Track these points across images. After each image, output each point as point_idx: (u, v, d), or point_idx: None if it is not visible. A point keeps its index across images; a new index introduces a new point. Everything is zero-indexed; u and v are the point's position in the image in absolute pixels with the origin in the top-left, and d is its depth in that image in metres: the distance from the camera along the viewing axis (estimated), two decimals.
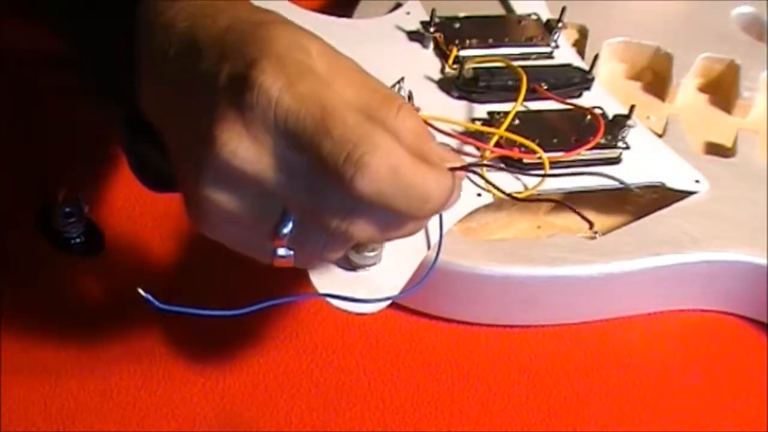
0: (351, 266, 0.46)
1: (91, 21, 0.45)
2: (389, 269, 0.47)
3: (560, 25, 0.64)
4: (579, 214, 0.49)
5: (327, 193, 0.38)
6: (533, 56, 0.63)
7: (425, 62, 0.61)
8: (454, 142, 0.54)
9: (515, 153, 0.54)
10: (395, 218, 0.40)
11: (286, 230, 0.40)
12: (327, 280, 0.46)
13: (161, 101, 0.41)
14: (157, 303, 0.40)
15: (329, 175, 0.37)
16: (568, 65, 0.62)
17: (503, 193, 0.50)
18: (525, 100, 0.57)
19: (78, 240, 0.57)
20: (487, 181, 0.50)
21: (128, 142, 0.46)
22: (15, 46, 0.66)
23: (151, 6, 0.41)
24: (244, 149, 0.37)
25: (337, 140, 0.37)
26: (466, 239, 0.54)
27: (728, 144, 0.63)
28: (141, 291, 0.40)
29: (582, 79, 0.61)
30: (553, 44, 0.63)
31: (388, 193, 0.37)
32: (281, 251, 0.41)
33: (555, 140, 0.56)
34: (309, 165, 0.38)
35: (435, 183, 0.39)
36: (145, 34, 0.41)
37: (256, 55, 0.37)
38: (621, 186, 0.56)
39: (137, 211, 0.59)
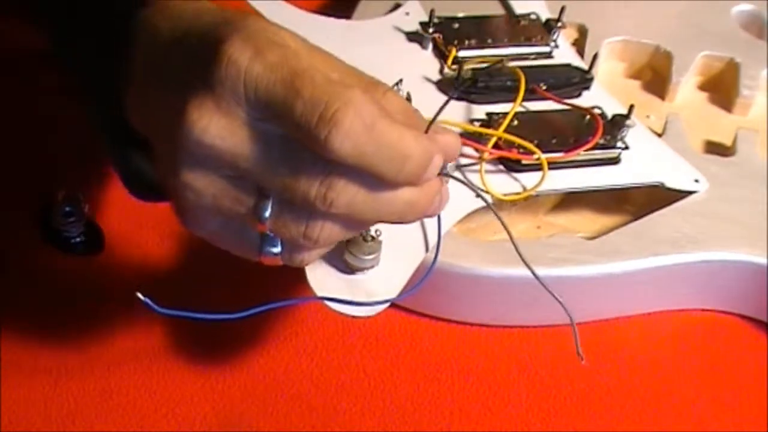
0: (349, 269, 0.46)
1: (74, 21, 0.45)
2: (388, 272, 0.47)
3: (559, 24, 0.64)
4: None
5: (303, 161, 0.38)
6: (533, 56, 0.63)
7: (424, 63, 0.61)
8: None
9: (514, 154, 0.54)
10: (376, 184, 0.39)
11: (266, 212, 0.39)
12: (325, 283, 0.46)
13: (146, 100, 0.41)
14: (155, 307, 0.40)
15: (303, 139, 0.37)
16: (568, 65, 0.62)
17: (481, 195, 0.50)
18: (524, 100, 0.57)
19: (78, 239, 0.57)
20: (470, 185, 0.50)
21: (114, 151, 0.45)
22: (15, 46, 0.66)
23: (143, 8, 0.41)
24: (216, 125, 0.37)
25: (308, 101, 0.36)
26: (466, 240, 0.54)
27: (728, 143, 0.62)
28: (140, 295, 0.40)
29: (581, 79, 0.61)
30: (552, 44, 0.63)
31: (365, 151, 0.37)
32: (268, 247, 0.41)
33: (554, 141, 0.56)
34: (282, 134, 0.37)
35: (414, 141, 0.38)
36: (135, 31, 0.41)
37: (226, 32, 0.37)
38: (620, 186, 0.56)
39: (137, 211, 0.59)
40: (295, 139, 0.37)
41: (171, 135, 0.38)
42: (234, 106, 0.37)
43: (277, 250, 0.41)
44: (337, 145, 0.36)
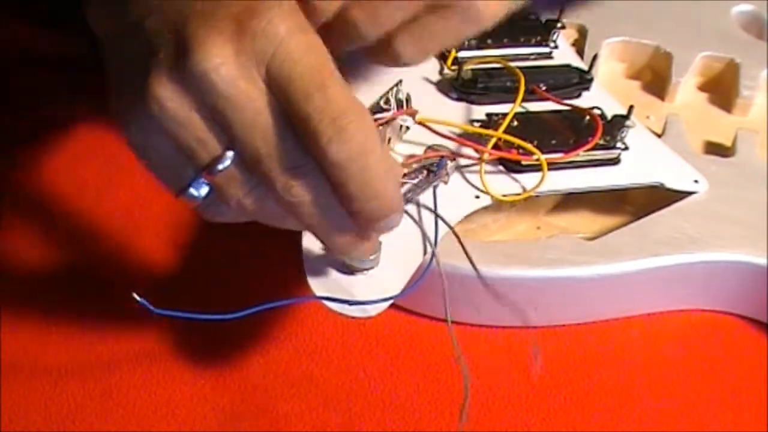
0: (349, 270, 0.47)
1: None
2: (387, 273, 0.47)
3: (559, 25, 0.64)
4: None
5: (286, 141, 0.38)
6: (532, 56, 0.63)
7: (424, 64, 0.61)
8: (452, 144, 0.54)
9: (513, 155, 0.54)
10: (336, 202, 0.40)
11: (221, 166, 0.39)
12: (325, 283, 0.46)
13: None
14: (153, 308, 0.40)
15: (303, 127, 0.37)
16: (567, 66, 0.62)
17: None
18: (524, 101, 0.57)
19: None
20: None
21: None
22: (15, 46, 0.66)
23: None
24: (227, 69, 0.37)
25: (330, 100, 0.37)
26: (466, 241, 0.54)
27: (728, 143, 0.62)
28: (136, 296, 0.40)
29: (581, 80, 0.61)
30: (552, 44, 0.63)
31: (350, 169, 0.38)
32: (194, 189, 0.40)
33: (554, 141, 0.56)
34: (278, 108, 0.38)
35: (393, 186, 0.40)
36: None
37: None
38: (620, 187, 0.56)
39: (137, 211, 0.59)
40: (289, 119, 0.38)
41: (176, 46, 0.38)
42: (251, 62, 0.37)
43: (200, 194, 0.40)
44: (333, 151, 0.37)
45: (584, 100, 0.60)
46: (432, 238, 0.50)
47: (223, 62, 0.37)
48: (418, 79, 0.60)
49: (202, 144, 0.39)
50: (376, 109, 0.52)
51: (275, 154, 0.38)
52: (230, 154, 0.39)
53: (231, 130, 0.38)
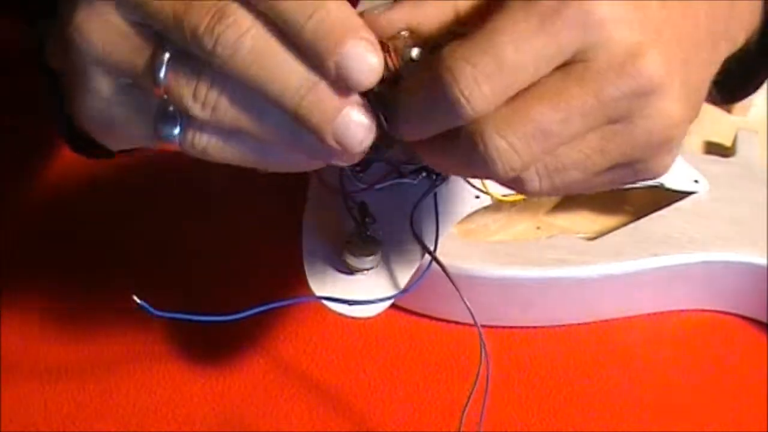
0: (349, 270, 0.47)
1: None
2: (387, 273, 0.47)
3: None
4: None
5: None
6: None
7: None
8: None
9: None
10: (276, 32, 0.36)
11: (162, 70, 0.37)
12: (325, 283, 0.46)
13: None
14: (152, 310, 0.40)
15: None
16: None
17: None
18: None
19: None
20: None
21: (53, 101, 0.44)
22: (15, 46, 0.66)
23: None
24: None
25: None
26: (466, 241, 0.54)
27: (728, 143, 0.62)
28: (136, 298, 0.40)
29: None
30: None
31: None
32: (167, 126, 0.39)
33: None
34: None
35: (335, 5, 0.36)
36: None
37: None
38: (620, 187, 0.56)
39: (137, 210, 0.59)
40: None
41: None
42: None
43: (176, 131, 0.39)
44: None
45: None
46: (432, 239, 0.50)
47: None
48: None
49: (137, 53, 0.38)
50: None
51: (193, 8, 0.36)
52: (164, 49, 0.38)
53: (149, 17, 0.37)
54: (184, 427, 0.51)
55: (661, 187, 0.57)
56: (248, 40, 0.36)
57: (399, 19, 0.39)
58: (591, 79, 0.36)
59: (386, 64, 0.37)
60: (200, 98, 0.38)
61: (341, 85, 0.36)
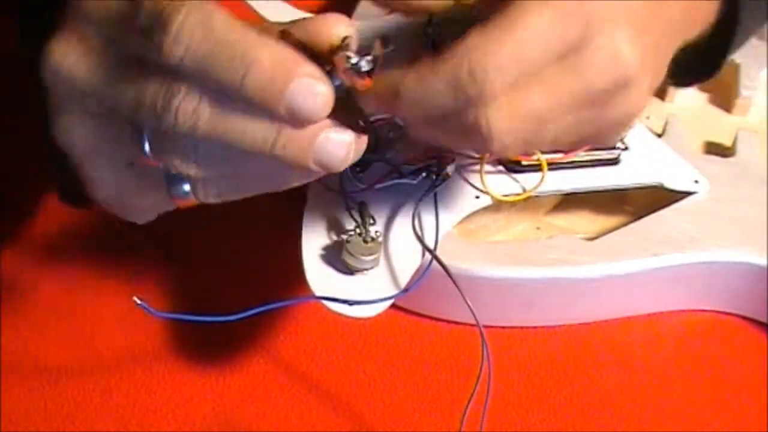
0: (349, 270, 0.47)
1: None
2: (387, 273, 0.47)
3: None
4: None
5: (148, 75, 0.36)
6: None
7: None
8: None
9: None
10: (223, 96, 0.36)
11: (145, 144, 0.38)
12: (324, 284, 0.46)
13: None
14: (152, 310, 0.40)
15: (145, 50, 0.36)
16: None
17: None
18: None
19: None
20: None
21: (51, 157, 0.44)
22: (15, 46, 0.66)
23: None
24: (72, 55, 0.37)
25: (148, 10, 0.35)
26: (466, 241, 0.54)
27: (728, 143, 0.62)
28: (136, 299, 0.40)
29: None
30: None
31: (199, 50, 0.35)
32: (177, 186, 0.39)
33: None
34: (130, 53, 0.37)
35: (263, 45, 0.35)
36: None
37: None
38: (620, 187, 0.56)
39: None
40: (141, 54, 0.36)
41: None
42: (86, 30, 0.37)
43: (187, 187, 0.39)
44: (168, 42, 0.35)
45: None
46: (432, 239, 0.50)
47: (66, 51, 0.38)
48: None
49: (119, 141, 0.39)
50: None
51: (147, 93, 0.36)
52: (140, 129, 0.38)
53: (112, 104, 0.38)
54: (184, 427, 0.51)
55: (661, 187, 0.57)
56: (204, 109, 0.36)
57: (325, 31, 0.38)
58: (584, 71, 0.38)
59: (339, 78, 0.37)
60: (190, 159, 0.38)
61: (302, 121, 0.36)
